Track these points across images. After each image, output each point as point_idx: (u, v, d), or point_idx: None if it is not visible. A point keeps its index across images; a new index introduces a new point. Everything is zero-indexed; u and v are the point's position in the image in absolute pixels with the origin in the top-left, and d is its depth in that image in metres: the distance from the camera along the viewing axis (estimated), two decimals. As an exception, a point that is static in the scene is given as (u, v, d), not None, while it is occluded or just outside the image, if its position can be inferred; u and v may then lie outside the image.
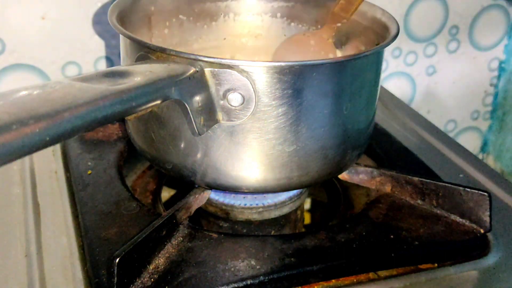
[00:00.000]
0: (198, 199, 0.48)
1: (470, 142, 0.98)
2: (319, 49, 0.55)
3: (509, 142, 0.95)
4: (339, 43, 0.56)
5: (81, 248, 0.45)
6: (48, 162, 0.58)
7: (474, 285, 0.45)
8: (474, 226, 0.48)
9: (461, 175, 0.58)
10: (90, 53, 0.69)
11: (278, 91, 0.40)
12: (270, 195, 0.52)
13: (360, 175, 0.53)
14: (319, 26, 0.58)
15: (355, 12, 0.53)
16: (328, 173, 0.47)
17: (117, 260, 0.38)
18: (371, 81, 0.45)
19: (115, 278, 0.38)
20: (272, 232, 0.53)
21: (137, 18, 0.52)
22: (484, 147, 1.00)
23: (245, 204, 0.51)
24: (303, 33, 0.58)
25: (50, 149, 0.59)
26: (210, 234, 0.45)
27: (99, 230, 0.45)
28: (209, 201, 0.51)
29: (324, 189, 0.62)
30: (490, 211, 0.47)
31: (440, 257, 0.46)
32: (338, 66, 0.42)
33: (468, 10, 0.86)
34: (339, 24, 0.55)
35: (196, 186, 0.48)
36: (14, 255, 0.45)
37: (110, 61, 0.71)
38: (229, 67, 0.39)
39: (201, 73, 0.39)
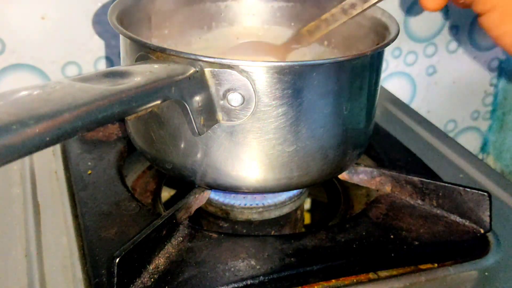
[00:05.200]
0: (198, 199, 0.48)
1: (470, 142, 0.98)
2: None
3: (509, 142, 0.95)
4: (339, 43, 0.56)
5: (81, 248, 0.45)
6: (48, 162, 0.57)
7: (474, 285, 0.45)
8: (474, 226, 0.48)
9: (461, 175, 0.58)
10: (90, 53, 0.69)
11: (278, 91, 0.40)
12: (270, 195, 0.52)
13: (360, 175, 0.53)
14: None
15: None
16: (328, 173, 0.47)
17: (117, 260, 0.38)
18: (371, 81, 0.45)
19: (115, 278, 0.38)
20: (272, 232, 0.53)
21: (137, 18, 0.52)
22: (484, 147, 1.00)
23: (245, 204, 0.51)
24: (264, 43, 0.57)
25: (50, 149, 0.59)
26: (210, 234, 0.45)
27: (99, 230, 0.45)
28: (209, 201, 0.51)
29: (324, 189, 0.62)
30: (490, 211, 0.47)
31: (440, 257, 0.46)
32: (338, 66, 0.42)
33: (468, 10, 0.85)
34: (297, 46, 0.54)
35: (196, 186, 0.48)
36: (14, 255, 0.45)
37: (110, 61, 0.71)
38: (229, 67, 0.39)
39: (201, 73, 0.39)
